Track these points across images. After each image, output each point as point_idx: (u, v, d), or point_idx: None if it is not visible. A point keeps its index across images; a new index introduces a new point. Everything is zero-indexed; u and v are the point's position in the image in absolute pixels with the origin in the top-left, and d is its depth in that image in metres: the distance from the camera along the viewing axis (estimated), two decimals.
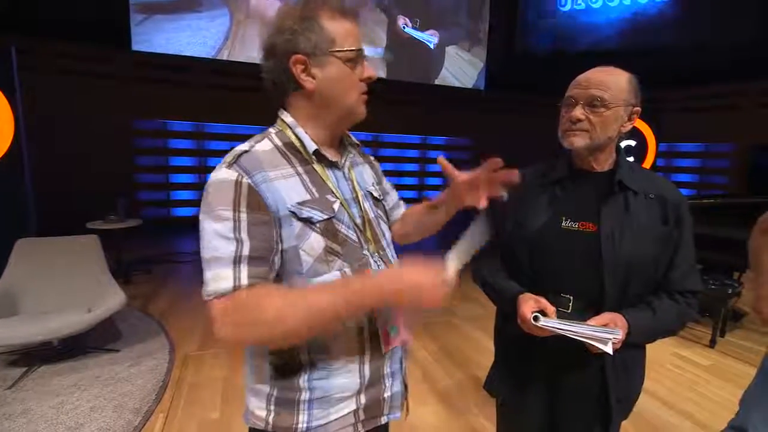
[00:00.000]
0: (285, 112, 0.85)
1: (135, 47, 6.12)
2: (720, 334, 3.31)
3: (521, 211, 1.13)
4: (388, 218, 1.02)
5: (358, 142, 1.00)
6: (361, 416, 0.85)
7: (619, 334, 0.93)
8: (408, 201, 1.06)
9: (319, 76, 0.79)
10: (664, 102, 7.57)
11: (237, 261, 0.71)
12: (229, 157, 0.77)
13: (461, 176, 0.89)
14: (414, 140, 8.48)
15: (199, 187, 6.72)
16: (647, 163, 6.12)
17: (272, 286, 0.74)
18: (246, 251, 0.71)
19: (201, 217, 0.74)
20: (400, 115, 7.99)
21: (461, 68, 8.58)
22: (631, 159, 1.13)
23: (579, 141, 1.02)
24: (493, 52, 8.74)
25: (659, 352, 3.09)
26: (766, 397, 1.23)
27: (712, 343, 3.23)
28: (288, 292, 0.73)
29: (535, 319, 0.96)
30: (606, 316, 0.98)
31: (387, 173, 1.09)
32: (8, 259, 2.87)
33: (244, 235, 0.72)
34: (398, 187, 1.10)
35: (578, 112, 1.01)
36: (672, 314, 1.03)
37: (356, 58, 0.81)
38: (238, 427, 2.13)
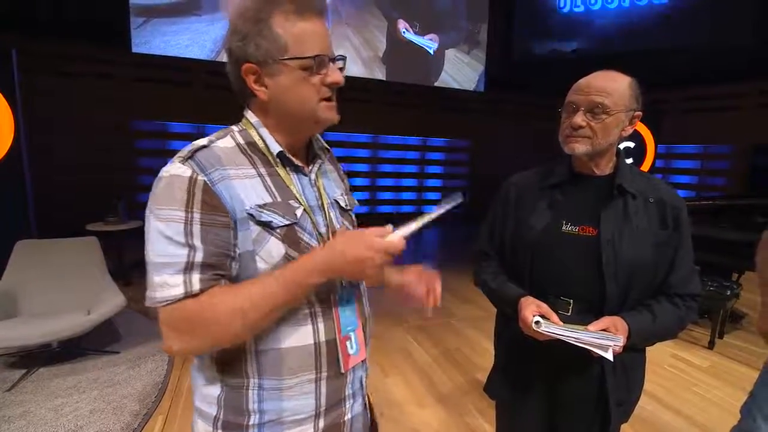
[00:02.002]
0: (250, 112, 0.80)
1: (135, 50, 6.13)
2: (718, 335, 3.32)
3: (521, 214, 1.13)
4: (354, 228, 0.95)
5: (328, 147, 0.93)
6: None
7: (620, 341, 0.93)
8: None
9: (272, 86, 0.74)
10: (663, 103, 7.58)
11: (188, 268, 0.66)
12: (184, 152, 0.71)
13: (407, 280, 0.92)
14: (414, 142, 8.48)
15: None
16: (646, 165, 6.13)
17: (222, 287, 0.69)
18: (199, 258, 0.67)
19: (148, 213, 0.68)
20: (400, 117, 8.01)
21: (461, 71, 8.60)
22: (629, 161, 1.13)
23: (580, 147, 1.02)
24: (493, 55, 8.77)
25: (658, 354, 3.09)
26: None
27: (711, 345, 3.24)
28: (236, 286, 0.70)
29: (537, 324, 0.95)
30: (606, 320, 0.98)
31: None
32: (8, 260, 2.86)
33: (197, 241, 0.67)
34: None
35: (579, 118, 1.01)
36: (672, 318, 1.03)
37: (314, 64, 0.73)
38: None
